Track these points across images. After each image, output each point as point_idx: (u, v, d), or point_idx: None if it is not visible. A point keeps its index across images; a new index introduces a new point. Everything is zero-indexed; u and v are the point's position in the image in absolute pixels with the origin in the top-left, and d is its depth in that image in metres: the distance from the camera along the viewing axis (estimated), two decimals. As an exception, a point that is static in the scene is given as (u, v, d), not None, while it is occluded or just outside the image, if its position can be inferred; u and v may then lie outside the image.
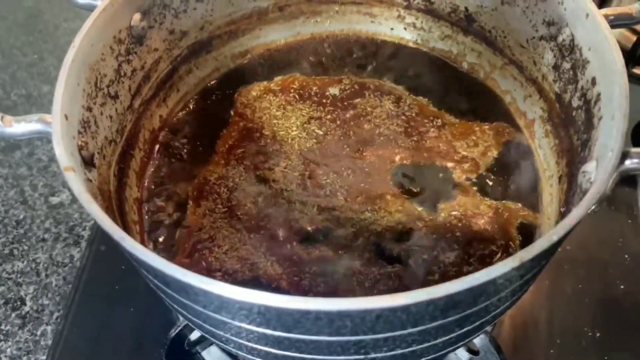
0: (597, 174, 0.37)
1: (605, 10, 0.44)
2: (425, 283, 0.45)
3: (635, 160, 0.36)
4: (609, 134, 0.38)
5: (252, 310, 0.31)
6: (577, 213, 0.33)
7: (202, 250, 0.48)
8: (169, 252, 0.48)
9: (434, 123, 0.56)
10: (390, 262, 0.46)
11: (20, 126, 0.40)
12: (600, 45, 0.42)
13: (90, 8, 0.47)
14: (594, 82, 0.43)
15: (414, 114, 0.57)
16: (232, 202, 0.50)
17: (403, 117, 0.57)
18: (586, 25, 0.44)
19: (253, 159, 0.53)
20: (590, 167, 0.39)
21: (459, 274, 0.46)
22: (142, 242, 0.48)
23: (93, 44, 0.45)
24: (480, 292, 0.32)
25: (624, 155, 0.36)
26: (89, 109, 0.44)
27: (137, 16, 0.49)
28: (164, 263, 0.31)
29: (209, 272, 0.46)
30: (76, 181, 0.35)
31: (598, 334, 0.54)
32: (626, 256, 0.60)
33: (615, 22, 0.44)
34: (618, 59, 0.40)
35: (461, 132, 0.55)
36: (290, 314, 0.30)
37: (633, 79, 0.69)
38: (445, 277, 0.46)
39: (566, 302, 0.57)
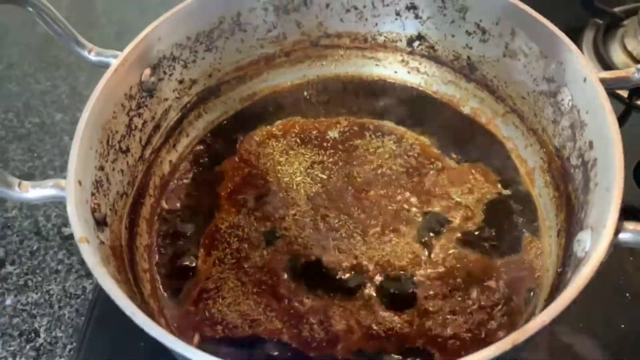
0: (591, 247, 0.38)
1: (603, 74, 0.45)
2: (432, 335, 0.47)
3: (629, 235, 0.37)
4: (603, 206, 0.39)
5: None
6: (569, 293, 0.34)
7: (208, 300, 0.49)
8: (177, 298, 0.50)
9: (435, 165, 0.57)
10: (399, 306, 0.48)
11: (35, 192, 0.42)
12: (597, 112, 0.43)
13: (104, 65, 0.48)
14: (591, 145, 0.44)
15: (415, 154, 0.58)
16: (241, 253, 0.51)
17: (405, 157, 0.58)
18: (584, 89, 0.45)
19: (262, 208, 0.55)
20: (584, 235, 0.40)
21: (459, 324, 0.47)
22: (153, 290, 0.50)
23: (105, 104, 0.46)
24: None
25: (618, 229, 0.37)
26: (101, 169, 0.45)
27: (147, 71, 0.51)
28: (175, 341, 0.33)
29: (211, 324, 0.47)
30: (89, 253, 0.37)
31: (598, 375, 0.55)
32: (627, 294, 0.60)
33: (612, 87, 0.44)
34: (614, 129, 0.40)
35: (457, 177, 0.56)
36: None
37: (637, 110, 0.69)
38: (446, 325, 0.47)
39: (566, 341, 0.58)
